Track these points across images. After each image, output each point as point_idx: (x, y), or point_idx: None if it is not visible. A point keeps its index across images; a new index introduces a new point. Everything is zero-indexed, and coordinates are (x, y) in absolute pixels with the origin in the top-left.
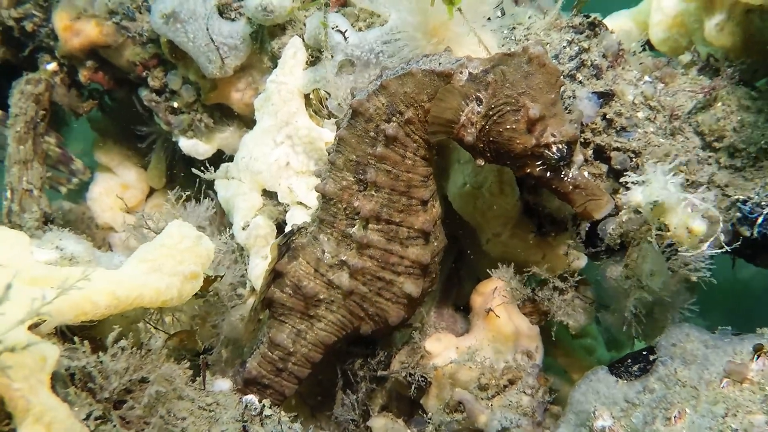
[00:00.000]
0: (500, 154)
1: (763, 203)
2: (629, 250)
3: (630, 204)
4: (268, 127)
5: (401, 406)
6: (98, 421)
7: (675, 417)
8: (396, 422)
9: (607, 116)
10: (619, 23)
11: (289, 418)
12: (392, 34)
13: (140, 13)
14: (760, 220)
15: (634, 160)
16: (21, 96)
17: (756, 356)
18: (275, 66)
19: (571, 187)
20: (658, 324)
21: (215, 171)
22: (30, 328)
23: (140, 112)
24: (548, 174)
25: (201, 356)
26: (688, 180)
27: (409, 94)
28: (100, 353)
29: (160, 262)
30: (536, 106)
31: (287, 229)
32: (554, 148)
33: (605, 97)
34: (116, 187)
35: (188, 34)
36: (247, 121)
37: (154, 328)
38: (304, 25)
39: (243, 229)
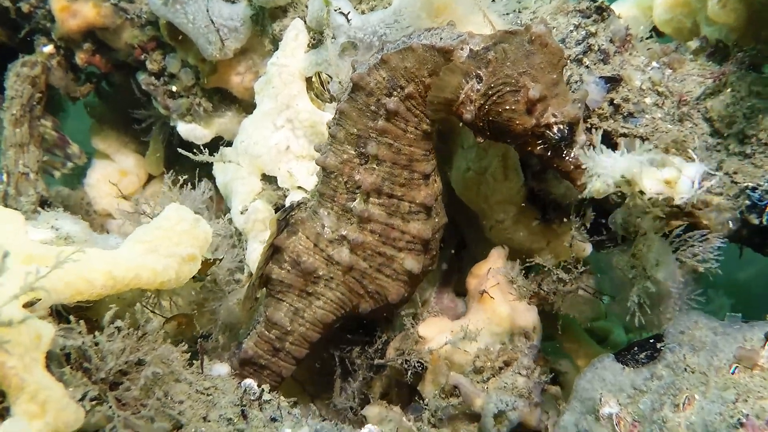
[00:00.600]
0: (500, 133)
1: None
2: (636, 240)
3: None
4: (268, 111)
5: (401, 393)
6: (94, 402)
7: (684, 403)
8: (392, 410)
9: (615, 102)
10: (624, 9)
11: (289, 403)
12: (396, 15)
13: None
14: None
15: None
16: (17, 78)
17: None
18: (276, 49)
19: (572, 166)
20: (663, 315)
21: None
22: (25, 306)
23: (138, 97)
24: (549, 153)
25: (198, 339)
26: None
27: (410, 69)
28: (96, 333)
29: (157, 243)
30: (536, 87)
31: (286, 204)
32: (555, 129)
33: (612, 82)
34: (114, 174)
35: (188, 16)
36: (247, 106)
37: (152, 311)
38: (306, 7)
39: (241, 213)
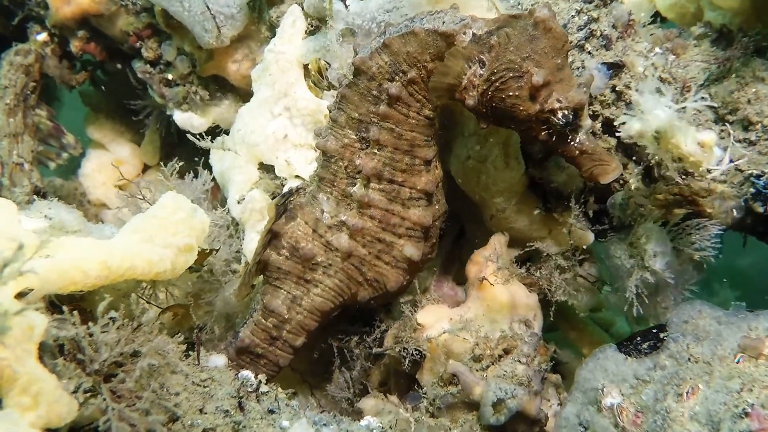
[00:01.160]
0: (504, 118)
1: None
2: (635, 228)
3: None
4: (265, 99)
5: (399, 382)
6: (87, 394)
7: (687, 393)
8: (389, 400)
9: (617, 88)
10: None
11: (287, 394)
12: (395, 1)
13: None
14: None
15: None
16: (10, 67)
17: None
18: (273, 36)
19: (577, 151)
20: (660, 305)
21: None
22: (17, 296)
23: (134, 85)
24: (554, 139)
25: (195, 331)
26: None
27: (412, 53)
28: (90, 324)
29: (153, 233)
30: (540, 72)
31: (285, 190)
32: (559, 114)
33: (615, 68)
34: (109, 164)
35: (183, 3)
36: (244, 95)
37: (147, 302)
38: None
39: (238, 202)
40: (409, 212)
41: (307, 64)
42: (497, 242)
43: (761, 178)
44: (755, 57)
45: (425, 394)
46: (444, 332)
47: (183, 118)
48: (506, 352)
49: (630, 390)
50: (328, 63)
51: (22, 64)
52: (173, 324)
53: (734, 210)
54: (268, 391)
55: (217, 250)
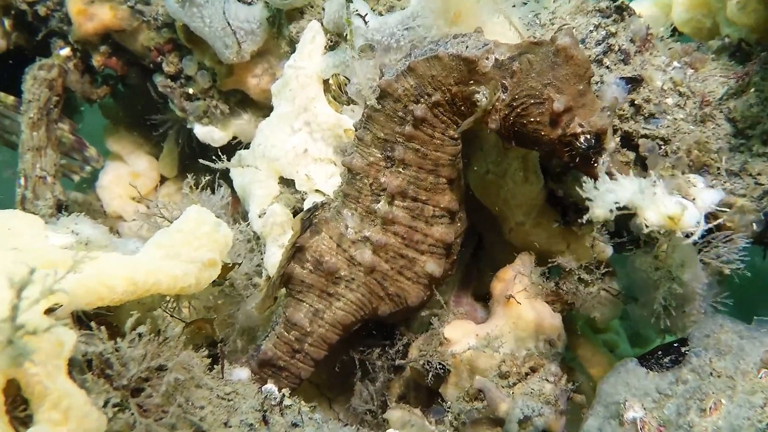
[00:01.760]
0: (526, 141)
1: None
2: (659, 241)
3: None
4: (285, 113)
5: (419, 396)
6: (116, 409)
7: (710, 408)
8: (413, 413)
9: (635, 102)
10: (643, 8)
11: (309, 408)
12: (413, 18)
13: None
14: None
15: (662, 147)
16: (34, 82)
17: None
18: (293, 51)
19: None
20: (688, 317)
21: (229, 160)
22: (46, 313)
23: (154, 99)
24: (577, 160)
25: (219, 344)
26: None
27: (437, 77)
28: (118, 339)
29: (178, 248)
30: (561, 99)
31: (308, 204)
32: (582, 138)
33: (633, 82)
34: (126, 176)
35: (204, 19)
36: (264, 108)
37: (171, 316)
38: (323, 9)
39: (259, 216)
40: (432, 229)
41: (327, 79)
42: (525, 260)
43: None
44: None
45: (449, 408)
46: (469, 348)
47: (204, 131)
48: (533, 370)
49: (652, 404)
50: (347, 78)
51: (46, 79)
52: (198, 338)
53: (754, 224)
54: (291, 405)
55: (239, 264)
